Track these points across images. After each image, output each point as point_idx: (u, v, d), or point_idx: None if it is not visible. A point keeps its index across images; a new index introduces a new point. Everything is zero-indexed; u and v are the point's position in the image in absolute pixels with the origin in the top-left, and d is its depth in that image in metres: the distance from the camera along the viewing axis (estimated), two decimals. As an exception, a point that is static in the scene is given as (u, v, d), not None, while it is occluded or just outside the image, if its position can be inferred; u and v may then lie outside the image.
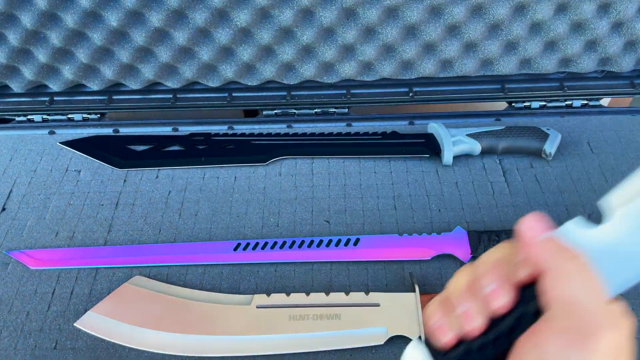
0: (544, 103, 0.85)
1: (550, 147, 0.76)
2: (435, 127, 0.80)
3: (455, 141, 0.78)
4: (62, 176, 0.80)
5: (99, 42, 0.80)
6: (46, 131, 0.86)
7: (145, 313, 0.63)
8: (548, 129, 0.78)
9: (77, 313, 0.64)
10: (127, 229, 0.73)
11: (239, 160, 0.80)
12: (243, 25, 0.78)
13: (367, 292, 0.64)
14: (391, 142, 0.81)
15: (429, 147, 0.79)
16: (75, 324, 0.62)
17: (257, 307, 0.63)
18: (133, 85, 0.85)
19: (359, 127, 0.85)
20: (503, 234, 0.67)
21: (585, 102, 0.85)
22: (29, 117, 0.87)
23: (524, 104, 0.85)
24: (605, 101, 0.88)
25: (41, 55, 0.81)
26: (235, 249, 0.69)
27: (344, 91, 0.86)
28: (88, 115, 0.87)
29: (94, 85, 0.85)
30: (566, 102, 0.85)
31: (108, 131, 0.86)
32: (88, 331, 0.62)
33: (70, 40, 0.80)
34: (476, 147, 0.78)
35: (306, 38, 0.79)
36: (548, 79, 0.85)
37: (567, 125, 0.83)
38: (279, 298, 0.64)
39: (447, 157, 0.77)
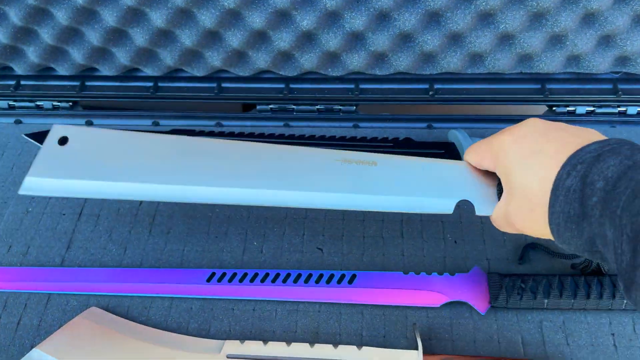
0: (592, 108, 0.71)
1: None
2: (456, 136, 0.67)
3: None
4: (23, 175, 0.69)
5: (64, 21, 0.68)
6: (12, 120, 0.76)
7: (97, 355, 0.54)
8: None
9: (22, 348, 0.55)
10: (89, 246, 0.63)
11: None
12: (231, 5, 0.65)
13: (359, 346, 0.53)
14: (404, 151, 0.68)
15: (447, 156, 0.66)
16: (18, 363, 0.53)
17: (227, 357, 0.53)
18: (107, 71, 0.74)
19: (367, 130, 0.72)
20: (531, 280, 0.55)
21: (643, 109, 0.70)
22: (-7, 102, 0.77)
23: (568, 108, 0.71)
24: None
25: (0, 34, 0.70)
26: (208, 280, 0.59)
27: (352, 86, 0.73)
28: (58, 103, 0.76)
29: (62, 70, 0.74)
30: (619, 109, 0.70)
31: (80, 122, 0.76)
32: (31, 373, 0.53)
33: (32, 18, 0.68)
34: None
35: (306, 23, 0.66)
36: (599, 79, 0.70)
37: (619, 137, 0.69)
38: (254, 347, 0.53)
39: None
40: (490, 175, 0.50)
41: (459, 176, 0.51)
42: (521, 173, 0.42)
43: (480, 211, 0.50)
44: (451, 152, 0.67)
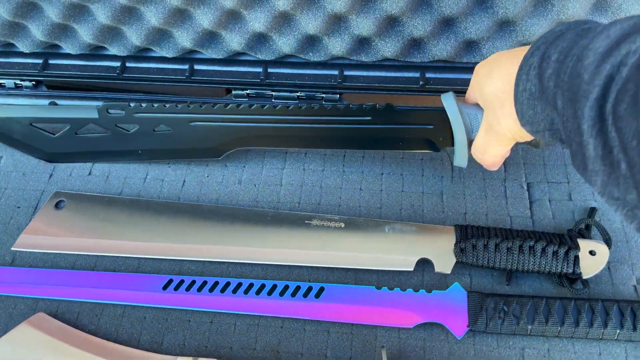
0: (599, 104, 0.63)
1: None
2: (451, 105, 0.54)
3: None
4: (-21, 162, 0.65)
5: (19, -5, 0.62)
6: (-28, 99, 0.71)
7: (41, 367, 0.50)
8: None
9: (-36, 355, 0.52)
10: (42, 244, 0.59)
11: (180, 153, 0.62)
12: (198, -18, 0.58)
13: (321, 370, 0.48)
14: (384, 127, 0.59)
15: (438, 134, 0.57)
16: (-42, 372, 0.50)
17: (178, 376, 0.49)
18: (71, 49, 0.68)
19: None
20: (514, 302, 0.50)
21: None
22: (-49, 80, 0.71)
23: (573, 103, 0.64)
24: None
25: (-48, 7, 0.64)
26: (165, 287, 0.54)
27: (336, 72, 0.66)
28: (21, 82, 0.71)
29: (23, 47, 0.68)
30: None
31: (44, 102, 0.70)
32: (-28, 383, 0.50)
33: (-16, -10, 0.62)
34: None
35: (282, 3, 0.59)
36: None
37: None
38: (207, 365, 0.49)
39: (460, 158, 0.55)
40: (449, 236, 0.54)
41: (420, 237, 0.55)
42: (490, 79, 0.44)
43: (439, 268, 0.53)
44: (441, 125, 0.56)
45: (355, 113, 0.59)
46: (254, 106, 0.59)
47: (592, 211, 0.57)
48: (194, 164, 0.64)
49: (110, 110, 0.61)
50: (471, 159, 0.55)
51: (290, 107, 0.59)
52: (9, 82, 0.71)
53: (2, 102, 0.71)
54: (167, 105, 0.60)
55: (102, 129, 0.62)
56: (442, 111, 0.54)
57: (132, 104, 0.60)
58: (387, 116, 0.59)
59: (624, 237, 0.55)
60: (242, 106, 0.59)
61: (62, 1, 0.62)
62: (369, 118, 0.59)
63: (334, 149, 0.62)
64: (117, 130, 0.62)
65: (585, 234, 0.54)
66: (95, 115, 0.61)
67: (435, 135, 0.58)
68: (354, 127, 0.60)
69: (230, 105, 0.60)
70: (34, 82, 0.71)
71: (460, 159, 0.55)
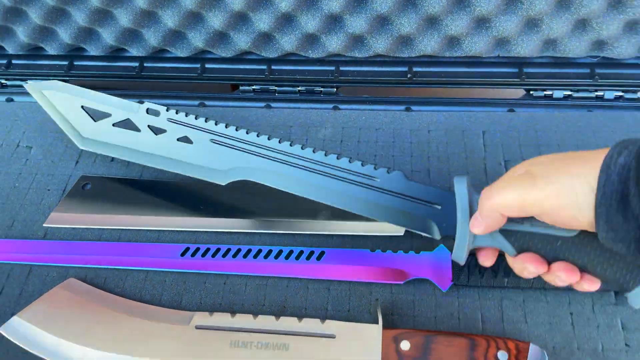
0: (569, 93, 0.71)
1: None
2: (461, 188, 0.49)
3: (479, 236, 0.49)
4: (12, 152, 0.72)
5: (51, 1, 0.70)
6: (3, 98, 0.78)
7: (73, 324, 0.56)
8: None
9: (3, 316, 0.58)
10: (71, 220, 0.65)
11: (191, 169, 0.61)
12: (210, -13, 0.66)
13: (323, 320, 0.55)
14: (390, 193, 0.55)
15: (442, 219, 0.52)
16: (-1, 330, 0.56)
17: (196, 328, 0.55)
18: (94, 50, 0.76)
19: (347, 112, 0.73)
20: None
21: (620, 94, 0.70)
22: (-15, 81, 0.79)
23: (545, 92, 0.71)
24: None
25: (-10, 14, 0.72)
26: (182, 254, 0.61)
27: (333, 68, 0.74)
28: (48, 82, 0.78)
29: (51, 49, 0.76)
30: (596, 93, 0.71)
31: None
32: (11, 339, 0.56)
33: (19, -2, 0.70)
34: (509, 249, 0.49)
35: (285, 5, 0.67)
36: (576, 64, 0.71)
37: (594, 122, 0.69)
38: (222, 318, 0.55)
39: (458, 249, 0.49)
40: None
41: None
42: (551, 171, 0.40)
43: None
44: (448, 209, 0.52)
45: (365, 170, 0.56)
46: (272, 140, 0.58)
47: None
48: (206, 150, 0.71)
49: (149, 110, 0.62)
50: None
51: (298, 146, 0.57)
52: (37, 83, 0.79)
53: (30, 100, 0.78)
54: (197, 119, 0.60)
55: (134, 127, 0.63)
56: (454, 195, 0.50)
57: (168, 109, 0.61)
58: (395, 183, 0.54)
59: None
60: (261, 137, 0.58)
61: (89, 6, 0.70)
62: (378, 179, 0.55)
63: (336, 206, 0.55)
64: (147, 132, 0.62)
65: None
66: (135, 111, 0.65)
67: (441, 217, 0.52)
68: (360, 184, 0.55)
69: (251, 133, 0.59)
70: (60, 82, 0.78)
71: (458, 251, 0.49)
